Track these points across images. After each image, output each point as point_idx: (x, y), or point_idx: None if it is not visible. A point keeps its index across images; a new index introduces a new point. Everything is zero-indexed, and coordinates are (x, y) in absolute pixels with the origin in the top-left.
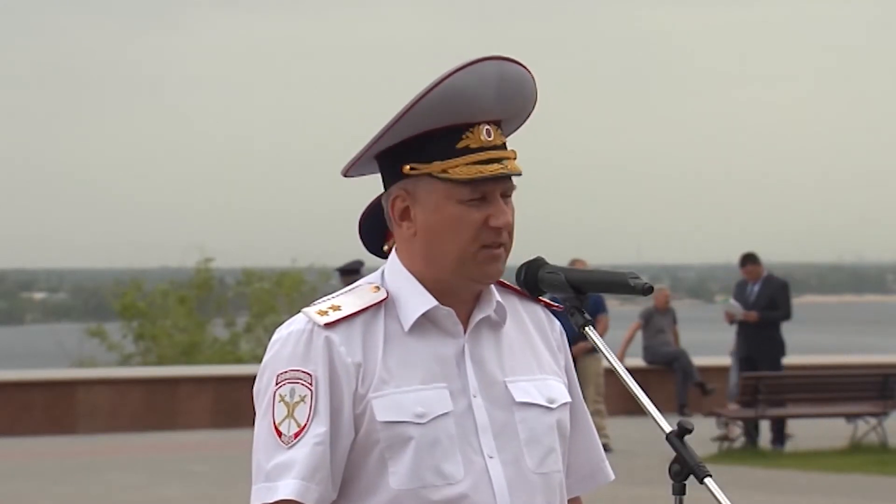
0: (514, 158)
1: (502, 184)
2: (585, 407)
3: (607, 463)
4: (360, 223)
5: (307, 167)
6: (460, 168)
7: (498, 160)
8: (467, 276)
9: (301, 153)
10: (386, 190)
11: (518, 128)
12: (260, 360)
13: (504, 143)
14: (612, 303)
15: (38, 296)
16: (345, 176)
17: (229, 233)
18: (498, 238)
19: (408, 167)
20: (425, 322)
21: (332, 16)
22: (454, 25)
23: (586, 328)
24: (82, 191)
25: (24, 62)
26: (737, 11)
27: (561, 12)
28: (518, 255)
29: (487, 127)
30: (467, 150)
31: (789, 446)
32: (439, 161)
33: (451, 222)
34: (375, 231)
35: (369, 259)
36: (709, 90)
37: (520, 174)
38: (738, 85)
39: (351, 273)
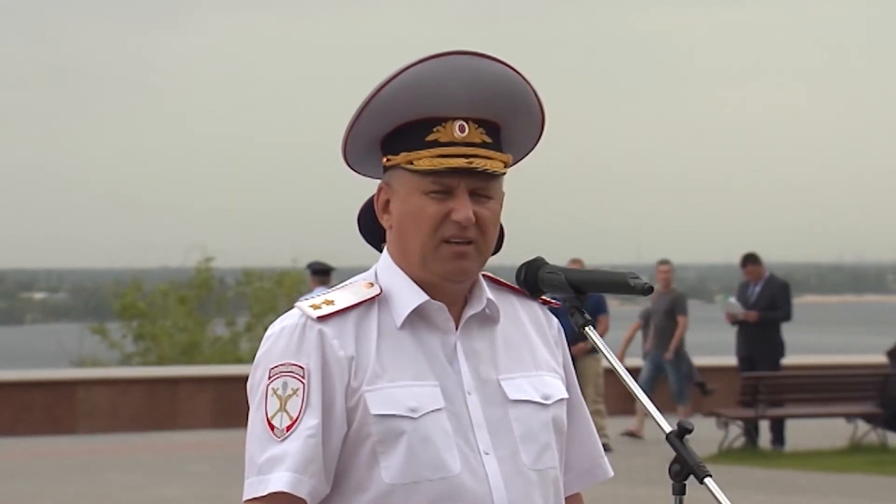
0: (495, 159)
1: (471, 180)
2: (584, 404)
3: (606, 459)
4: (358, 221)
5: (307, 167)
6: (424, 160)
7: (466, 156)
8: (432, 272)
9: (301, 153)
10: None
11: (535, 135)
12: None
13: (486, 143)
14: (612, 303)
15: (38, 296)
16: (355, 171)
17: (230, 233)
18: (461, 233)
19: (385, 159)
20: (417, 318)
21: (332, 16)
22: (455, 25)
23: (586, 328)
24: (82, 191)
25: (24, 62)
26: (737, 11)
27: (561, 12)
28: (518, 255)
29: (462, 123)
30: (435, 144)
31: (789, 446)
32: (406, 152)
33: (413, 213)
34: (376, 229)
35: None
36: (709, 90)
37: (491, 173)
38: (738, 84)
39: (322, 273)
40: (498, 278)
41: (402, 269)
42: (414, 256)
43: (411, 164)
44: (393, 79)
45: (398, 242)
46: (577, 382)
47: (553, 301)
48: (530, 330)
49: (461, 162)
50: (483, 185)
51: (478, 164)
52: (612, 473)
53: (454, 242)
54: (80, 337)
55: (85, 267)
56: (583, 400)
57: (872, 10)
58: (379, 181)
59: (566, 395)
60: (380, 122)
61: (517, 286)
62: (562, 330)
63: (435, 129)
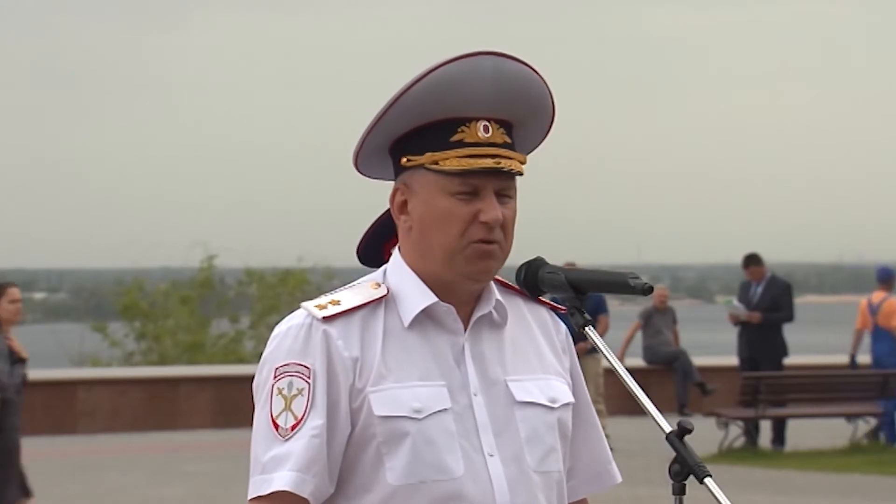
0: (515, 159)
1: (496, 180)
2: (593, 409)
3: (614, 465)
4: (365, 236)
5: (310, 167)
6: (451, 160)
7: (492, 156)
8: (457, 272)
9: (304, 153)
10: None
11: (542, 135)
12: None
13: (506, 143)
14: (612, 303)
15: (38, 296)
16: (363, 174)
17: (231, 232)
18: (489, 234)
19: (405, 159)
20: (425, 318)
21: (332, 16)
22: (455, 26)
23: (586, 328)
24: (83, 191)
25: (25, 62)
26: (738, 12)
27: (564, 12)
28: (518, 255)
29: (485, 123)
30: (461, 144)
31: (789, 446)
32: (431, 153)
33: (440, 215)
34: (374, 247)
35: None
36: (709, 90)
37: (516, 173)
38: (738, 85)
39: None
40: (506, 281)
41: (417, 269)
42: (438, 257)
43: (437, 164)
44: (422, 78)
45: (418, 243)
46: (585, 388)
47: (560, 307)
48: (537, 333)
49: (489, 162)
50: (506, 185)
51: (504, 164)
52: (619, 479)
53: (479, 242)
54: (80, 337)
55: (85, 267)
56: (591, 405)
57: (876, 10)
58: (380, 182)
59: (572, 400)
60: (402, 122)
61: (519, 287)
62: (570, 335)
63: (459, 130)
